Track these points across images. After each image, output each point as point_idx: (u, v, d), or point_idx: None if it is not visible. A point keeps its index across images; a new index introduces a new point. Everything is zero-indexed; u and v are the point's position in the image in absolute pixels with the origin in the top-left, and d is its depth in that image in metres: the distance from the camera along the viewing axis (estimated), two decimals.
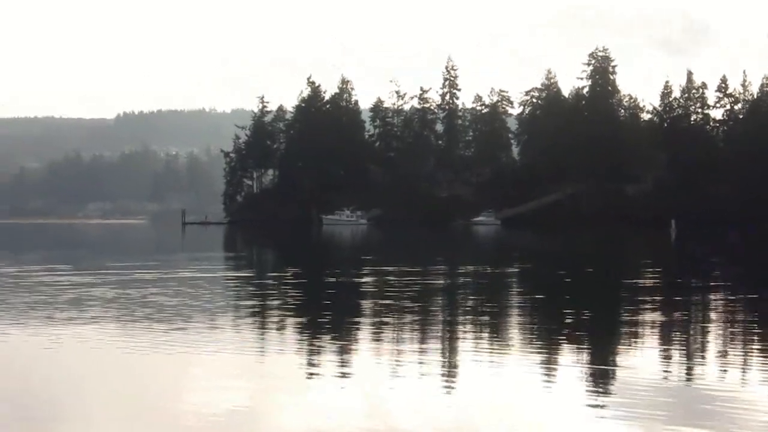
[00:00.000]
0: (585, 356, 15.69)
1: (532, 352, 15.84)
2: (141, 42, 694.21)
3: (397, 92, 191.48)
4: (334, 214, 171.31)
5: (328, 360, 14.95)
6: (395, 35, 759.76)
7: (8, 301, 23.59)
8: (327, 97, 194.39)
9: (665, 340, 17.62)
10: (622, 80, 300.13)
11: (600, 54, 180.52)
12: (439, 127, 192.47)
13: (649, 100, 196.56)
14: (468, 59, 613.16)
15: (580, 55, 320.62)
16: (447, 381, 13.37)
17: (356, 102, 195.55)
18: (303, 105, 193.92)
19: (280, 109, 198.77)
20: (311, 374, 13.95)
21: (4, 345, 16.55)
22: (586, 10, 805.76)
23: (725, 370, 14.12)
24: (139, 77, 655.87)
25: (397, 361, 14.95)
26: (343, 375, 13.82)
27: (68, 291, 26.49)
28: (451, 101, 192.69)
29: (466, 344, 16.96)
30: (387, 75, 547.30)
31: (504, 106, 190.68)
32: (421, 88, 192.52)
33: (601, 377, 13.63)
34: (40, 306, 22.15)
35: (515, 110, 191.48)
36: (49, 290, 26.62)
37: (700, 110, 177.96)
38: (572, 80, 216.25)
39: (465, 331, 18.82)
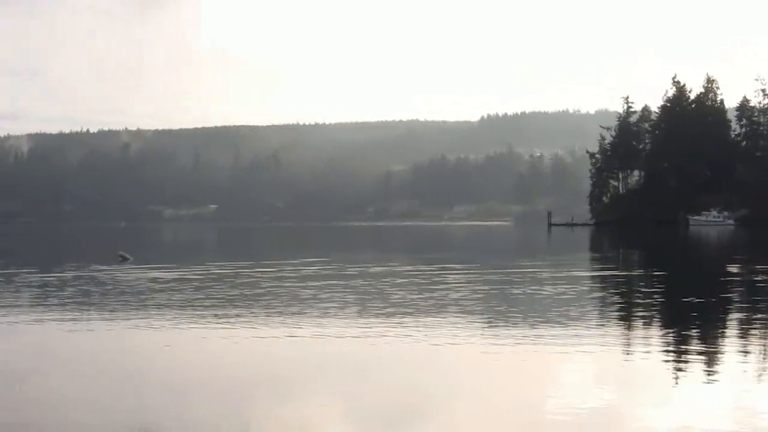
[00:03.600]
0: None
1: None
2: (501, 42, 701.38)
3: (763, 90, 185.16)
4: (700, 215, 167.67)
5: (694, 360, 14.85)
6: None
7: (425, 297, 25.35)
8: (692, 96, 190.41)
9: None
10: None
11: None
12: None
13: None
14: None
15: None
16: None
17: (722, 101, 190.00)
18: (668, 105, 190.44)
19: (645, 109, 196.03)
20: (677, 374, 13.91)
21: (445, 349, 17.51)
22: None
23: None
24: (502, 79, 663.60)
25: (764, 364, 14.84)
26: (709, 375, 13.72)
27: (456, 289, 28.05)
28: None
29: None
30: (752, 73, 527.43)
31: None
32: None
33: None
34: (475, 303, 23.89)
35: None
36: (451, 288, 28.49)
37: None
38: None
39: None
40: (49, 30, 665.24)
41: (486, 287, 29.88)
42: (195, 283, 31.21)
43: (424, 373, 14.15)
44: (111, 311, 22.45)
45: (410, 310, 22.34)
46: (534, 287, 29.73)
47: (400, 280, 32.79)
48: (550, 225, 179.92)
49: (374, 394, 12.37)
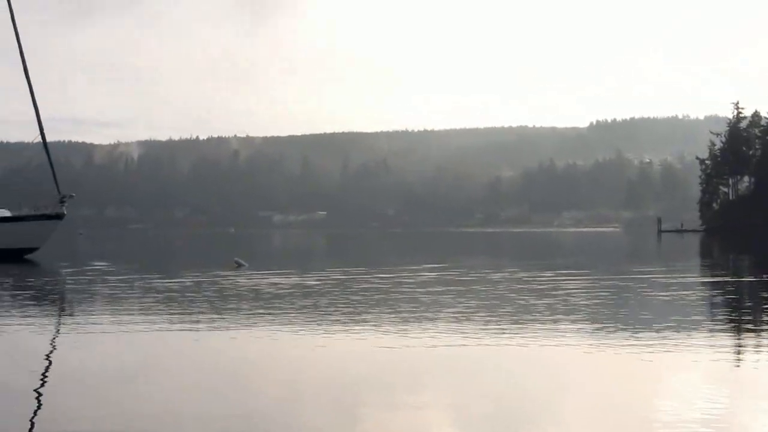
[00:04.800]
0: None
1: None
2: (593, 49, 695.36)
3: None
4: None
5: None
6: None
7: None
8: None
9: None
10: None
11: None
12: None
13: None
14: None
15: None
16: None
17: None
18: None
19: (756, 114, 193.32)
20: None
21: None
22: None
23: None
24: (613, 84, 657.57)
25: None
26: None
27: (573, 294, 27.88)
28: None
29: None
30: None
31: None
32: None
33: None
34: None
35: None
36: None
37: None
38: None
39: None
40: (159, 37, 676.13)
41: (601, 292, 29.79)
42: (315, 289, 31.41)
43: (536, 378, 14.07)
44: (234, 317, 22.65)
45: (529, 316, 22.34)
46: (647, 293, 29.90)
47: (518, 286, 32.79)
48: (659, 231, 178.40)
49: (484, 399, 12.27)
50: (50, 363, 15.86)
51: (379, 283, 34.70)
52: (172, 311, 24.10)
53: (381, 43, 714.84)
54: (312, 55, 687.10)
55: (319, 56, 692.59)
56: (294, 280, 36.72)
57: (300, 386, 13.29)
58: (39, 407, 11.71)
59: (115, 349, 17.27)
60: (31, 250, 62.90)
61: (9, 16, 65.20)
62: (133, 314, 23.42)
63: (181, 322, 21.24)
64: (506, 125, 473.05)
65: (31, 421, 10.93)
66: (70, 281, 37.29)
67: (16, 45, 64.99)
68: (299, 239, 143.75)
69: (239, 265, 46.54)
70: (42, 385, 13.39)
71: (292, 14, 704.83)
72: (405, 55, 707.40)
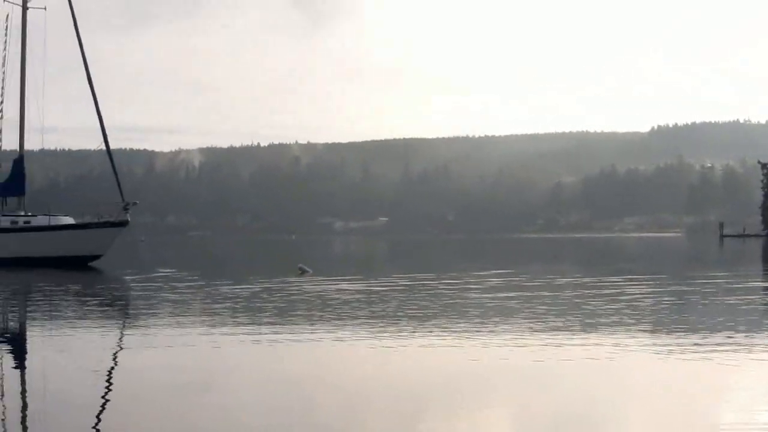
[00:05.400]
0: None
1: None
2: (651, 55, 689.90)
3: None
4: None
5: None
6: None
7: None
8: None
9: None
10: None
11: None
12: None
13: None
14: None
15: None
16: None
17: None
18: None
19: None
20: None
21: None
22: None
23: None
24: (671, 89, 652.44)
25: None
26: None
27: (640, 299, 27.59)
28: None
29: None
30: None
31: None
32: None
33: None
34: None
35: None
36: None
37: None
38: None
39: None
40: (219, 44, 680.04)
41: (668, 297, 29.75)
42: (382, 295, 31.41)
43: (608, 386, 14.00)
44: (306, 323, 22.73)
45: (597, 321, 22.26)
46: (713, 297, 29.85)
47: (584, 291, 32.71)
48: (721, 236, 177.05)
49: (556, 408, 12.15)
50: (118, 371, 15.94)
51: (445, 288, 34.68)
52: (241, 318, 24.20)
53: (442, 49, 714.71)
54: (373, 60, 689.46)
55: (381, 62, 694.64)
56: (360, 286, 36.77)
57: (366, 396, 13.26)
58: (100, 417, 11.69)
59: (184, 357, 17.33)
60: (95, 257, 63.49)
61: (72, 25, 65.90)
62: (202, 321, 23.57)
63: (249, 330, 21.31)
64: (567, 131, 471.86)
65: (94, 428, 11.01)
66: (137, 288, 37.56)
67: (80, 54, 65.68)
68: (360, 245, 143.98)
69: (303, 272, 46.60)
70: (107, 394, 13.46)
71: (352, 20, 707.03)
72: (465, 63, 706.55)
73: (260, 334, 20.50)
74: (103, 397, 13.07)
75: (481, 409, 12.14)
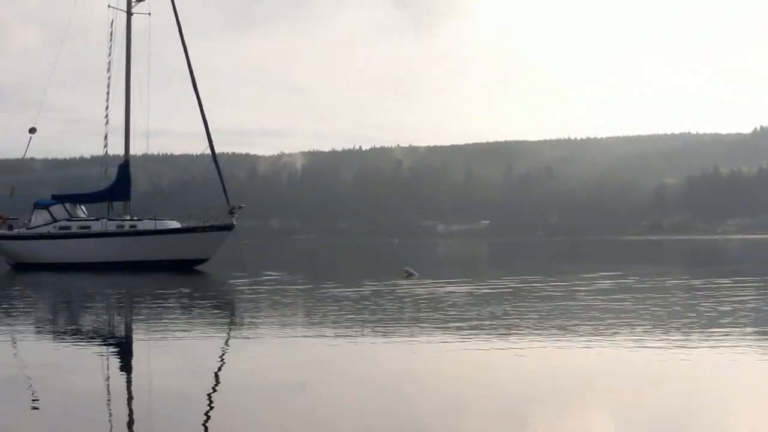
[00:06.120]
0: None
1: None
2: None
3: None
4: None
5: None
6: None
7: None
8: None
9: None
10: None
11: None
12: None
13: None
14: None
15: None
16: None
17: None
18: None
19: None
20: None
21: None
22: None
23: None
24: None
25: None
26: None
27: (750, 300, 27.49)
28: None
29: None
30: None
31: None
32: None
33: None
34: None
35: None
36: None
37: None
38: None
39: None
40: (320, 46, 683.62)
41: None
42: (490, 297, 31.46)
43: (723, 388, 13.90)
44: (415, 326, 22.82)
45: (710, 322, 22.21)
46: None
47: (695, 293, 32.56)
48: None
49: (668, 412, 12.05)
50: (228, 373, 16.13)
51: (553, 291, 34.59)
52: (351, 320, 24.37)
53: (544, 53, 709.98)
54: (475, 64, 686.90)
55: (482, 66, 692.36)
56: (468, 288, 36.79)
57: (469, 400, 13.23)
58: (208, 418, 11.86)
59: (294, 359, 17.50)
60: (201, 260, 64.18)
61: (177, 29, 66.66)
62: (313, 323, 23.83)
63: (354, 332, 21.45)
64: (669, 132, 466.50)
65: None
66: (248, 291, 37.89)
67: (185, 59, 66.30)
68: (464, 248, 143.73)
69: (410, 275, 46.67)
70: (213, 394, 13.67)
71: (456, 22, 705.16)
72: (567, 65, 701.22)
73: (365, 335, 20.71)
74: (209, 398, 13.30)
75: (588, 416, 12.15)
